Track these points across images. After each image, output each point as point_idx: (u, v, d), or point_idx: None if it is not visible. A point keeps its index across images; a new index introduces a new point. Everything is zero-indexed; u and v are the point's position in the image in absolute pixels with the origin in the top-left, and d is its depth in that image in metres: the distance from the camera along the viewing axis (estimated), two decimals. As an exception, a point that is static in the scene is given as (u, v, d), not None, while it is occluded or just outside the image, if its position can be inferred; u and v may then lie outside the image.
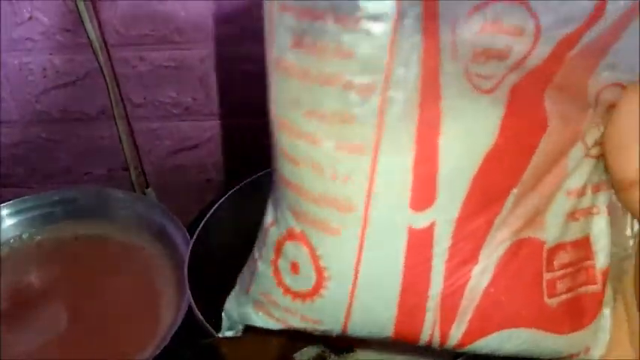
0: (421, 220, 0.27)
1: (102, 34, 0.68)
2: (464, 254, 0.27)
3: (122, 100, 0.73)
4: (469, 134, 0.27)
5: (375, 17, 0.24)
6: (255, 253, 0.31)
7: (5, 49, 0.69)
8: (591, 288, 0.27)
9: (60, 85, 0.72)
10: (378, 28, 0.24)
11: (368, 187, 0.26)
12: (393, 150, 0.26)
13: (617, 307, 0.27)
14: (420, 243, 0.27)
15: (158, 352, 0.52)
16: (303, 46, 0.26)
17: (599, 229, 0.27)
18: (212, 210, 0.60)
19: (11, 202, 0.66)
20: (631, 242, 0.26)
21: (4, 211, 0.66)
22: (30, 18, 0.67)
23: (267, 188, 0.65)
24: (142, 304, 0.61)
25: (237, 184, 0.79)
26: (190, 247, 0.56)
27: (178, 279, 0.61)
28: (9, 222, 0.66)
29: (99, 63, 0.69)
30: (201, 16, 0.67)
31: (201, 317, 0.48)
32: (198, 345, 0.49)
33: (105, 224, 0.67)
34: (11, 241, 0.66)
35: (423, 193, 0.27)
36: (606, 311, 0.26)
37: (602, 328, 0.26)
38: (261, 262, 0.30)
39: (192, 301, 0.51)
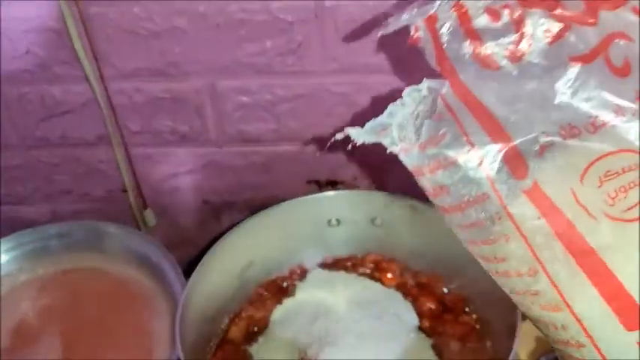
0: None
1: (98, 67, 0.68)
2: None
3: (119, 128, 0.74)
4: None
5: None
6: None
7: (4, 81, 0.70)
8: None
9: (59, 113, 0.73)
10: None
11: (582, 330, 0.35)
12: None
13: None
14: None
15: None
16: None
17: None
18: (207, 254, 0.62)
19: (9, 236, 0.68)
20: None
21: (4, 246, 0.68)
22: (27, 52, 0.68)
23: (258, 229, 0.65)
24: (135, 338, 0.63)
25: (233, 205, 0.81)
26: (184, 295, 0.58)
27: (172, 314, 0.63)
28: (8, 256, 0.68)
29: (95, 94, 0.70)
30: (195, 50, 0.67)
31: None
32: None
33: (100, 258, 0.69)
34: (10, 274, 0.68)
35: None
36: None
37: None
38: None
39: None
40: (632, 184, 0.34)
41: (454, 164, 0.39)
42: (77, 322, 0.65)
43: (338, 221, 0.69)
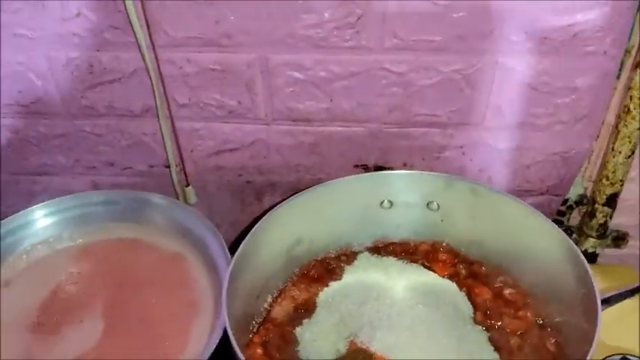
0: None
1: (150, 34, 0.66)
2: None
3: (167, 99, 0.72)
4: None
5: None
6: None
7: (51, 44, 0.68)
8: None
9: (106, 81, 0.71)
10: None
11: None
12: None
13: None
14: None
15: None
16: None
17: None
18: (255, 226, 0.59)
19: (52, 200, 0.66)
20: None
21: (46, 210, 0.66)
22: (78, 15, 0.66)
23: (308, 206, 0.63)
24: (176, 313, 0.60)
25: (276, 186, 0.79)
26: (231, 267, 0.55)
27: (215, 289, 0.61)
28: (50, 220, 0.66)
29: (145, 62, 0.68)
30: (250, 20, 0.65)
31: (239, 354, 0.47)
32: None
33: (143, 229, 0.67)
34: (51, 239, 0.66)
35: None
36: None
37: None
38: None
39: (229, 328, 0.50)
40: None
41: None
42: (117, 295, 0.62)
43: (390, 203, 0.66)
